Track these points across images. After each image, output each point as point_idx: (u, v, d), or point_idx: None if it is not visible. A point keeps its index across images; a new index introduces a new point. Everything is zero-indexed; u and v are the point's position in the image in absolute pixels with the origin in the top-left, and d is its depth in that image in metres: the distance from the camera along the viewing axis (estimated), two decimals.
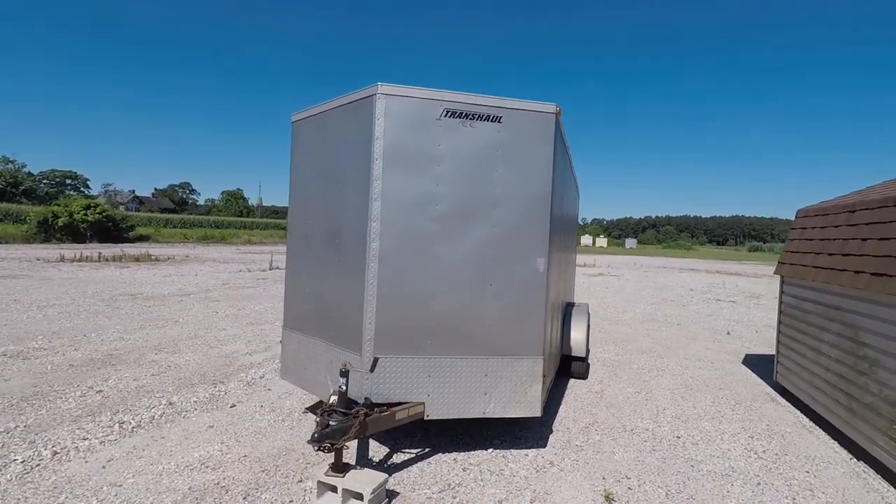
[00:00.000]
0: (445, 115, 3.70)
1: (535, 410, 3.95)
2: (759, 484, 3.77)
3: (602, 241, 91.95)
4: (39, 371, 5.69)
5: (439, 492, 3.44)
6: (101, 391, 5.14)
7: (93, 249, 26.24)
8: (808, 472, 4.02)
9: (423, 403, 3.73)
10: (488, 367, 3.83)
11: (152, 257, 23.90)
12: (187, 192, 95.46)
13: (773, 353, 6.55)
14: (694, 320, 11.78)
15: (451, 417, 3.83)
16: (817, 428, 4.98)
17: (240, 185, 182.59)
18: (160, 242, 39.47)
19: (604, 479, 3.76)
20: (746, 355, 8.26)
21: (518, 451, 4.17)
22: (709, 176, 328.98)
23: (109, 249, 27.06)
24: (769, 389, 6.30)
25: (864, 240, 4.51)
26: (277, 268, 21.53)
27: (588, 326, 6.33)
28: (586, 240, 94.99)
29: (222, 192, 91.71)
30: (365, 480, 3.16)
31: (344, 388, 3.40)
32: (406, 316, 3.69)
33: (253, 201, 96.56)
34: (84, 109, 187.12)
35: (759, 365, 7.52)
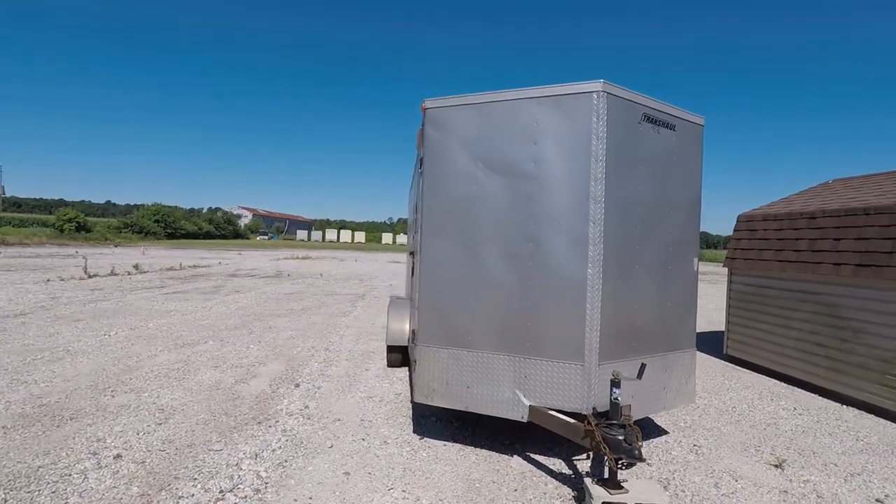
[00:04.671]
0: (643, 120, 3.76)
1: (693, 398, 4.28)
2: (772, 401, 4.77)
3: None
4: None
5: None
6: None
7: None
8: (791, 398, 5.22)
9: (629, 406, 3.73)
10: (667, 363, 4.01)
11: None
12: None
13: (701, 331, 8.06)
14: None
15: (641, 416, 3.90)
16: (777, 381, 6.40)
17: None
18: None
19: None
20: None
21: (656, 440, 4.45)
22: None
23: None
24: (723, 361, 7.75)
25: (837, 240, 5.97)
26: (97, 275, 17.46)
27: None
28: (402, 238, 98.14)
29: None
30: (650, 491, 3.08)
31: (619, 399, 3.22)
32: (621, 319, 3.65)
33: None
34: None
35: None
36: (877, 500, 3.52)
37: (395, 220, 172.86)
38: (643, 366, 3.49)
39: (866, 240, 5.61)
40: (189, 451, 3.92)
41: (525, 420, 3.64)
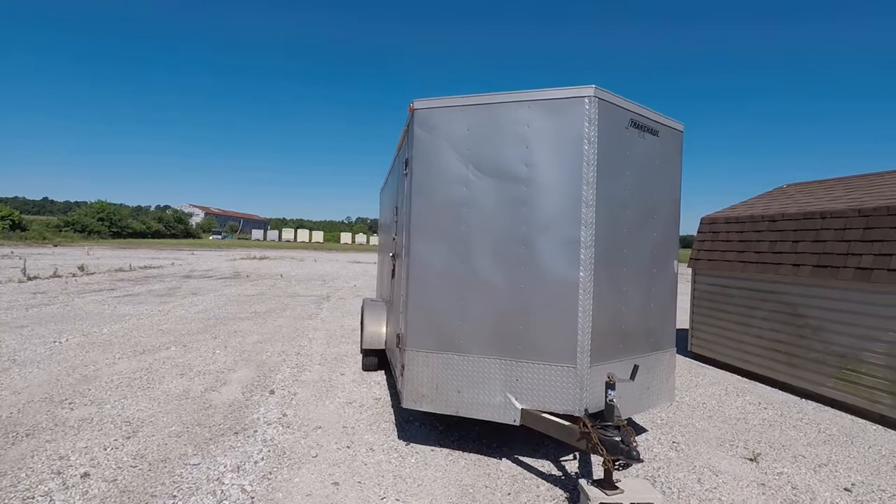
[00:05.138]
0: (630, 125, 3.83)
1: (673, 397, 4.40)
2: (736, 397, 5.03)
3: (376, 240, 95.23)
4: None
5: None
6: None
7: None
8: (755, 393, 5.51)
9: (618, 406, 3.79)
10: (650, 363, 4.11)
11: None
12: None
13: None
14: None
15: (626, 417, 3.97)
16: (740, 377, 6.71)
17: None
18: None
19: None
20: None
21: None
22: None
23: None
24: (688, 359, 8.04)
25: (796, 242, 6.30)
26: (38, 277, 16.40)
27: None
28: (361, 238, 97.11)
29: None
30: (643, 490, 3.13)
31: (614, 401, 3.25)
32: (610, 321, 3.70)
33: None
34: None
35: None
36: (845, 489, 3.72)
37: (353, 219, 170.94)
38: (636, 367, 3.55)
39: (823, 242, 5.94)
40: (164, 466, 3.70)
41: (517, 423, 3.64)
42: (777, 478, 3.87)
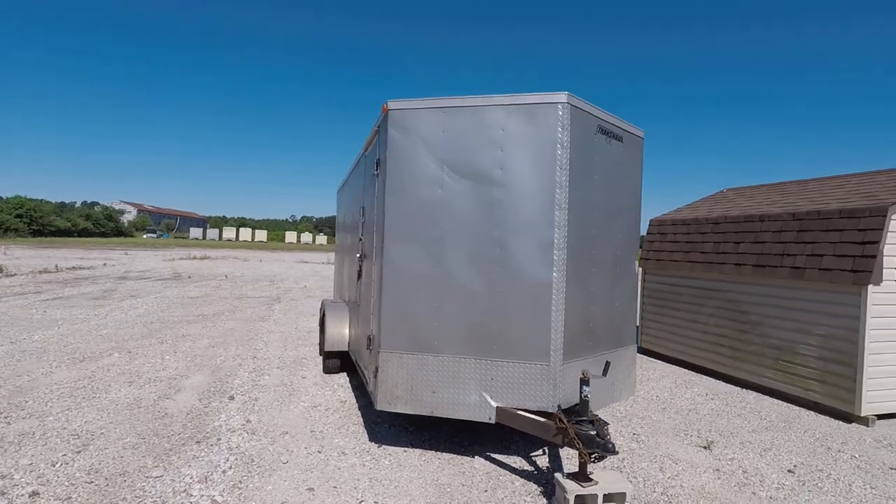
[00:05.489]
0: (598, 131, 3.99)
1: (634, 390, 4.61)
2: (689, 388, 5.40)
3: (322, 239, 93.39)
4: None
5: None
6: None
7: None
8: (702, 385, 5.91)
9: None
10: (615, 358, 4.29)
11: None
12: None
13: None
14: None
15: (594, 410, 4.12)
16: (687, 370, 7.14)
17: None
18: None
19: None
20: None
21: None
22: None
23: None
24: (638, 354, 8.42)
25: (738, 243, 6.76)
26: None
27: None
28: (307, 237, 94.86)
29: None
30: (615, 481, 3.27)
31: (588, 396, 3.36)
32: (580, 319, 3.83)
33: None
34: None
35: None
36: (788, 471, 4.04)
37: (298, 217, 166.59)
38: (608, 364, 3.71)
39: (762, 243, 6.40)
40: (123, 480, 3.49)
41: (493, 421, 3.70)
42: (729, 463, 4.15)
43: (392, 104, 3.94)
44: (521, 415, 3.59)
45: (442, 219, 3.83)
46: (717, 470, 4.01)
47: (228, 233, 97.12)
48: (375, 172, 4.39)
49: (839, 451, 4.50)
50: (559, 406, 3.62)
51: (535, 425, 3.48)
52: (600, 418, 3.42)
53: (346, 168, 7.12)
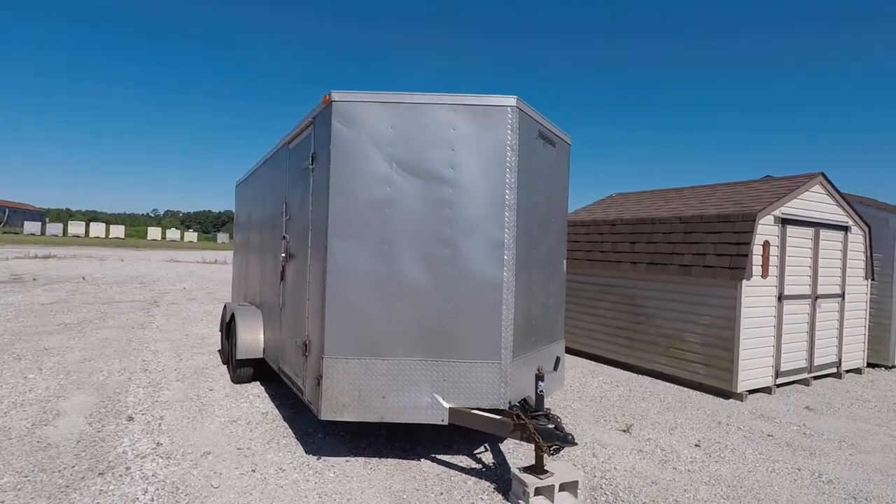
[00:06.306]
0: (538, 136, 4.15)
1: (563, 383, 4.87)
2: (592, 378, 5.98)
3: (192, 236, 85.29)
4: None
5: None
6: None
7: None
8: (606, 374, 6.55)
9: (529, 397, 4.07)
10: (550, 353, 4.50)
11: None
12: None
13: None
14: None
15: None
16: (590, 361, 7.77)
17: None
18: None
19: None
20: None
21: None
22: None
23: None
24: None
25: (633, 243, 7.47)
26: None
27: None
28: (173, 234, 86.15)
29: None
30: (568, 470, 3.43)
31: (543, 392, 3.44)
32: (524, 317, 3.95)
33: None
34: None
35: None
36: (695, 445, 4.57)
37: (160, 212, 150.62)
38: (558, 358, 3.88)
39: (655, 243, 7.15)
40: None
41: (446, 423, 3.67)
42: (648, 443, 4.57)
43: (336, 95, 3.73)
44: (475, 414, 3.61)
45: (391, 217, 3.71)
46: (641, 451, 4.40)
47: (76, 227, 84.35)
48: (311, 167, 4.12)
49: (727, 424, 5.19)
50: (510, 403, 3.70)
51: (493, 423, 3.52)
52: (552, 412, 3.56)
53: (241, 157, 6.58)
